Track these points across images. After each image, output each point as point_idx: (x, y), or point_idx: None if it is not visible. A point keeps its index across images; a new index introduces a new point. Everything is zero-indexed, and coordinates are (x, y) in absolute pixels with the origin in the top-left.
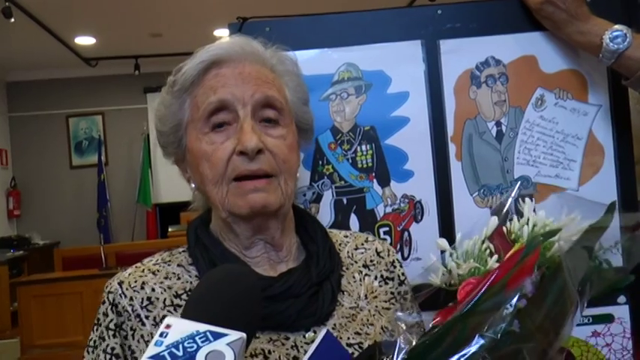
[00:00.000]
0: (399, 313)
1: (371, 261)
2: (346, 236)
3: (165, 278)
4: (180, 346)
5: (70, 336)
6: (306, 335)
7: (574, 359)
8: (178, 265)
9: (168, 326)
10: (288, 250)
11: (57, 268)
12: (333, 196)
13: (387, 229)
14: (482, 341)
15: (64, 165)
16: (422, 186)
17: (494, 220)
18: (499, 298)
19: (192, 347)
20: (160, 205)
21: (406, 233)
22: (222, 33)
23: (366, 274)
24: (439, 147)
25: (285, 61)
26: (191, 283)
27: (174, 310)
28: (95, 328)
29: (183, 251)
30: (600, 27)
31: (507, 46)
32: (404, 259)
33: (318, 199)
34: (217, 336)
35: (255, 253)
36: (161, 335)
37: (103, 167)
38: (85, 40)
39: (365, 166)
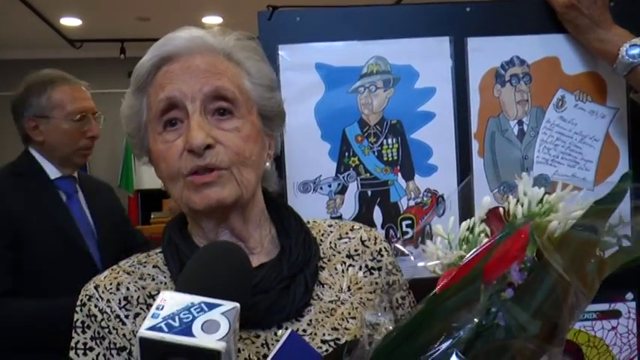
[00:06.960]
0: (366, 314)
1: (355, 250)
2: (330, 225)
3: (140, 279)
4: (177, 317)
5: None
6: (278, 333)
7: (582, 354)
8: (154, 267)
9: (163, 300)
10: (257, 242)
11: None
12: (358, 188)
13: (409, 222)
14: (451, 339)
15: None
16: (445, 181)
17: (488, 200)
18: (473, 289)
19: (187, 318)
20: (142, 191)
21: (428, 227)
22: (212, 20)
23: (350, 265)
24: (463, 143)
25: (244, 48)
26: (165, 284)
27: (147, 308)
28: (77, 333)
29: (160, 252)
30: (620, 37)
31: (532, 47)
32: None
33: (343, 190)
34: (212, 306)
35: None
36: (157, 308)
37: None
38: (70, 21)
39: (390, 159)
